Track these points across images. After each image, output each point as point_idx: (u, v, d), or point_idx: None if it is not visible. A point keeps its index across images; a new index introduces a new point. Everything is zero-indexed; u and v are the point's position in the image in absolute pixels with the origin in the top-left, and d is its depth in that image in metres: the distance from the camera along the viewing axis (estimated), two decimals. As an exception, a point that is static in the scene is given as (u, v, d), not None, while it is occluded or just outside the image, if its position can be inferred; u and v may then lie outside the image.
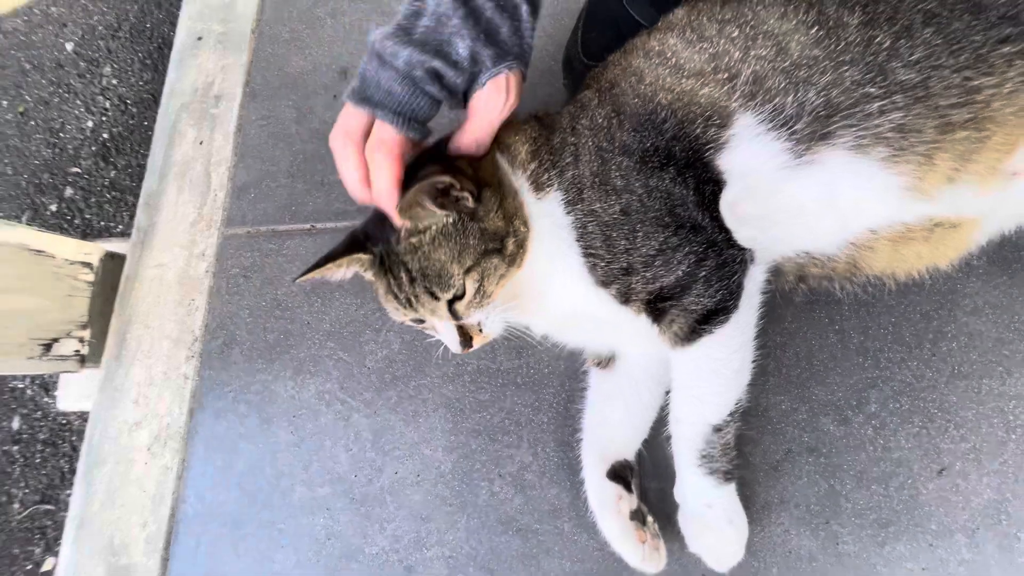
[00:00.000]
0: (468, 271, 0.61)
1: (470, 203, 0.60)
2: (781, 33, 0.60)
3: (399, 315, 0.66)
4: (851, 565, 0.67)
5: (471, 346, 0.66)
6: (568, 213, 0.62)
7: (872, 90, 0.57)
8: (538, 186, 0.64)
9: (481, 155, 0.64)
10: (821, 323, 0.76)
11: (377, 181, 0.60)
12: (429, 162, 0.62)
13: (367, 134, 0.60)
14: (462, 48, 0.58)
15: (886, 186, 0.59)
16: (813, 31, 0.59)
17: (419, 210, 0.59)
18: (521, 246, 0.63)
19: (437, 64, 0.57)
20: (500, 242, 0.61)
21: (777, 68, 0.59)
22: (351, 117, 0.60)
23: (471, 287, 0.61)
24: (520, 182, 0.64)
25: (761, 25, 0.61)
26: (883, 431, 0.71)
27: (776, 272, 0.68)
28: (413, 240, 0.61)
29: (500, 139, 0.65)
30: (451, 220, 0.60)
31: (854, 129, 0.58)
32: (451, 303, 0.62)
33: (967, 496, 0.67)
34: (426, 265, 0.61)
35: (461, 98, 0.62)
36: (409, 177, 0.60)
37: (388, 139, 0.58)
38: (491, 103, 0.60)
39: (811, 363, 0.75)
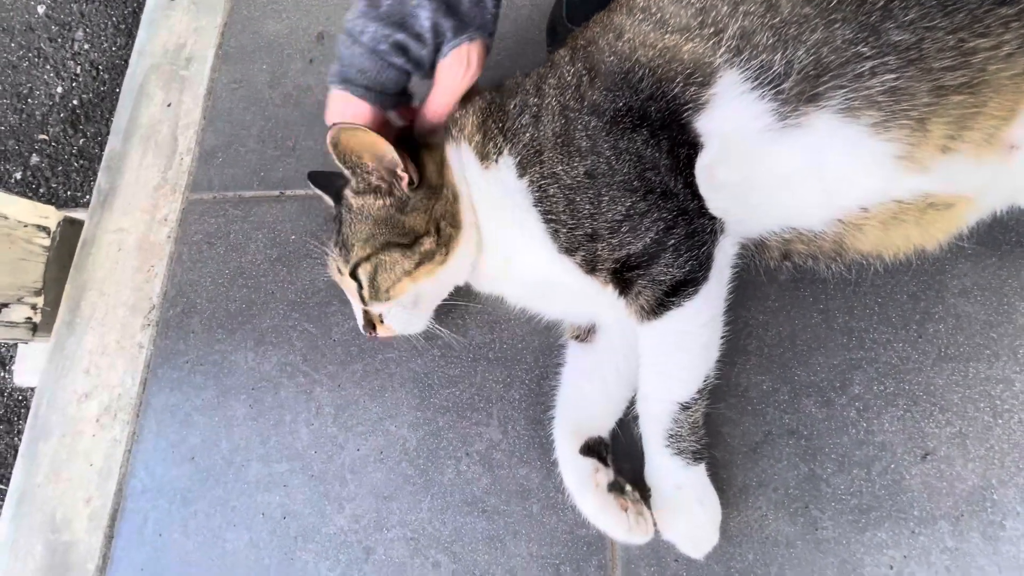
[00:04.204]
0: (366, 258, 0.63)
1: (404, 185, 0.63)
2: None
3: (332, 272, 0.70)
4: (830, 551, 0.64)
5: (375, 332, 0.68)
6: (521, 177, 0.61)
7: (864, 50, 0.55)
8: (484, 155, 0.64)
9: (438, 137, 0.67)
10: (805, 302, 0.74)
11: None
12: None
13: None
14: (424, 19, 0.59)
15: (875, 154, 0.56)
16: None
17: (355, 166, 0.63)
18: (446, 246, 0.64)
19: (400, 37, 0.60)
20: (412, 239, 0.63)
21: (766, 24, 0.57)
22: (336, 100, 0.64)
23: (364, 277, 0.64)
24: (466, 157, 0.65)
25: None
26: (866, 414, 0.68)
27: (761, 247, 0.66)
28: (352, 200, 0.65)
29: (451, 115, 0.67)
30: (379, 203, 0.63)
31: (844, 91, 0.55)
32: (360, 289, 0.66)
33: (952, 482, 0.65)
34: (348, 234, 0.65)
35: (429, 68, 0.64)
36: None
37: (360, 112, 0.63)
38: (453, 72, 0.63)
39: (794, 343, 0.72)
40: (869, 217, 0.60)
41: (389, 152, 0.61)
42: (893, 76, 0.54)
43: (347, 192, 0.66)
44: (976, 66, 0.54)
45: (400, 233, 0.63)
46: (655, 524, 0.62)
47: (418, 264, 0.64)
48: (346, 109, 0.64)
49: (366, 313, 0.68)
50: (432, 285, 0.67)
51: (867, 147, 0.56)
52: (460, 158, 0.65)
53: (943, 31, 0.54)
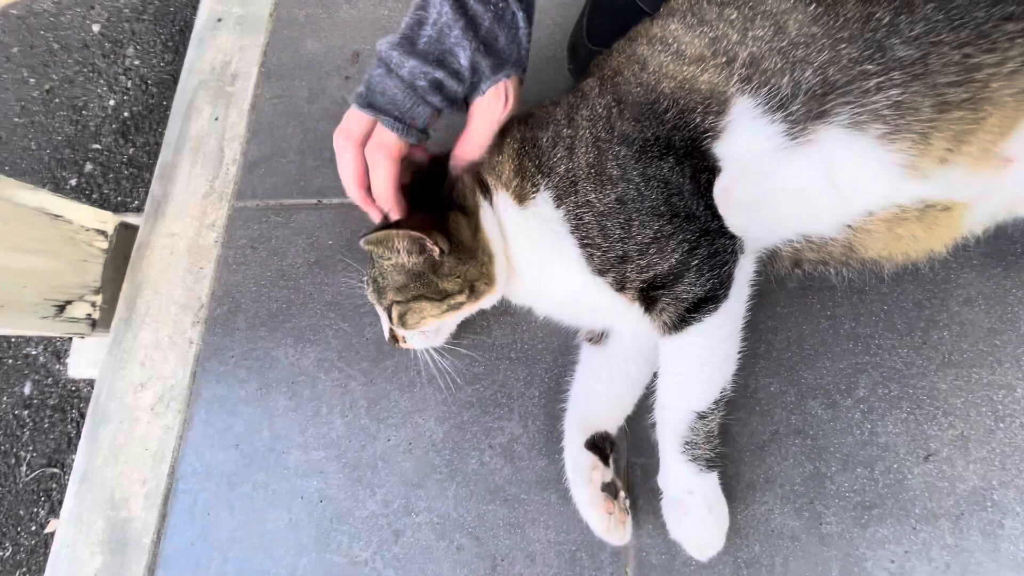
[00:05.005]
0: (396, 303, 0.68)
1: (436, 255, 0.66)
2: (779, 12, 0.60)
3: (367, 292, 0.75)
4: (833, 545, 0.67)
5: (397, 344, 0.75)
6: (559, 207, 0.64)
7: (870, 67, 0.57)
8: (522, 197, 0.66)
9: (471, 186, 0.69)
10: (813, 308, 0.77)
11: (375, 180, 0.66)
12: (422, 203, 0.68)
13: (367, 136, 0.64)
14: (463, 58, 0.60)
15: (882, 163, 0.59)
16: (811, 8, 0.59)
17: (385, 249, 0.66)
18: (477, 299, 0.69)
19: (439, 75, 0.61)
20: (444, 295, 0.67)
21: (774, 48, 0.59)
22: (354, 119, 0.64)
23: (395, 313, 0.69)
24: (503, 207, 0.67)
25: (759, 5, 0.61)
26: (871, 415, 0.71)
27: (772, 257, 0.68)
28: (382, 262, 0.69)
29: (488, 161, 0.68)
30: (413, 261, 0.66)
31: (851, 106, 0.57)
32: (389, 311, 0.71)
33: (953, 482, 0.67)
34: (377, 276, 0.70)
35: (462, 104, 0.65)
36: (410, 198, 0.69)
37: (388, 143, 0.63)
38: (491, 109, 0.64)
39: (802, 347, 0.75)
40: (875, 219, 0.62)
41: (413, 233, 0.63)
42: (899, 91, 0.56)
43: (375, 255, 0.70)
44: (979, 82, 0.55)
45: (433, 291, 0.66)
46: (668, 528, 0.66)
47: (447, 311, 0.68)
48: (360, 126, 0.63)
49: (391, 330, 0.74)
50: (456, 319, 0.74)
51: (874, 156, 0.58)
52: (496, 214, 0.68)
53: (949, 46, 0.55)
